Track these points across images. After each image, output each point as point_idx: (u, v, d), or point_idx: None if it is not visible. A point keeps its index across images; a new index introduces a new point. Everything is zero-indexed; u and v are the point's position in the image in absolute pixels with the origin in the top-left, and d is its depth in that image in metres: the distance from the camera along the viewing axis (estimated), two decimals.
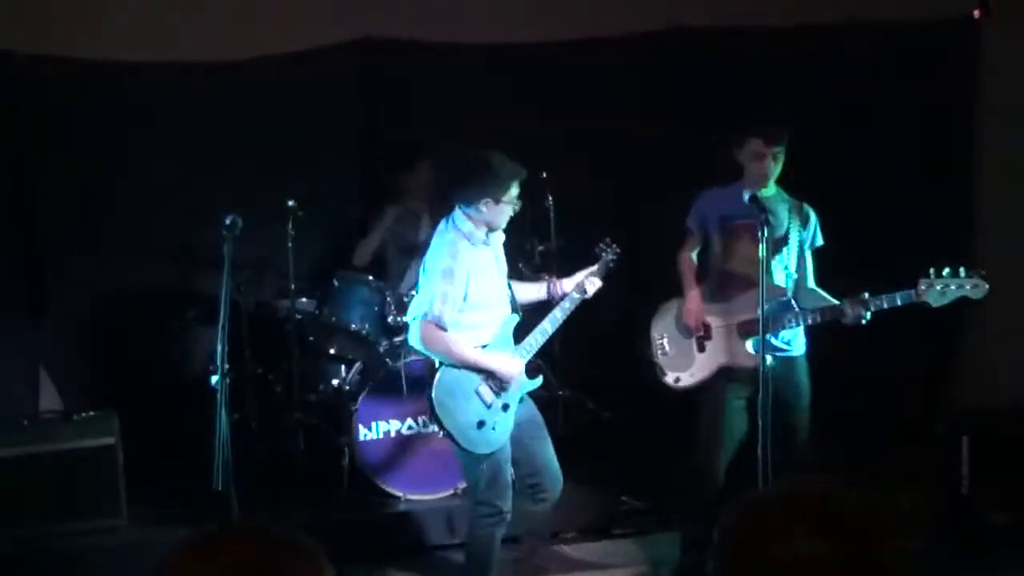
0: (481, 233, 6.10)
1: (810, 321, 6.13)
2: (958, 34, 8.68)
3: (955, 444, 7.15)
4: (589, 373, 8.46)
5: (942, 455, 7.21)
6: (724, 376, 6.34)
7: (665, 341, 6.60)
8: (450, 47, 8.46)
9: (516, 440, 6.25)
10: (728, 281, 6.35)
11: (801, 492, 2.22)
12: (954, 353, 8.81)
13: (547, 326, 6.32)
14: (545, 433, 6.38)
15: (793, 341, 6.23)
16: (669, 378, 6.57)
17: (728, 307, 6.34)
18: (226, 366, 5.59)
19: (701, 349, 6.43)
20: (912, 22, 8.49)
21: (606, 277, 6.45)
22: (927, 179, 8.77)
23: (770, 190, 6.28)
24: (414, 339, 6.11)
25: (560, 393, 8.48)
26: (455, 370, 6.09)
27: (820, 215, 6.50)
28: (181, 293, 8.10)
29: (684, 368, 6.51)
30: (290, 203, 7.59)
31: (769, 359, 6.07)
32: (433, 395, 6.11)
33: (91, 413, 7.25)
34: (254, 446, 8.03)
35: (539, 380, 6.38)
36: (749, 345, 6.23)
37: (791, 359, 6.20)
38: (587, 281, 6.36)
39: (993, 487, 7.08)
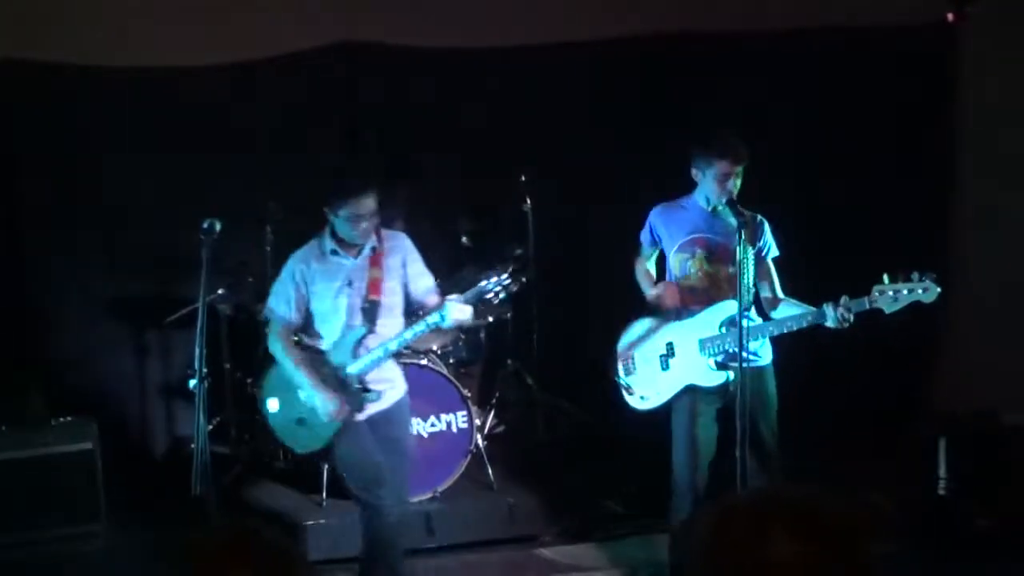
0: (332, 243, 6.15)
1: (771, 332, 6.14)
2: (932, 38, 8.72)
3: (932, 446, 7.19)
4: (567, 377, 8.48)
5: (919, 457, 7.24)
6: (690, 393, 6.36)
7: (631, 361, 6.62)
8: (430, 51, 8.46)
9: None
10: (687, 297, 6.36)
11: (779, 495, 2.23)
12: (931, 355, 8.85)
13: (391, 345, 6.17)
14: (403, 455, 6.39)
15: (760, 351, 6.23)
16: (635, 398, 6.59)
17: (692, 323, 6.35)
18: (204, 370, 5.57)
19: (665, 368, 6.44)
20: (886, 26, 8.52)
21: (487, 305, 6.41)
22: (903, 182, 8.80)
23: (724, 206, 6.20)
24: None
25: (538, 397, 8.50)
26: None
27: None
28: (160, 297, 8.08)
29: (649, 387, 6.52)
30: (269, 205, 7.61)
31: (731, 375, 6.13)
32: (262, 384, 6.34)
33: (70, 418, 7.25)
34: (233, 450, 8.04)
35: (374, 396, 6.22)
36: (711, 363, 6.25)
37: (759, 369, 6.19)
38: (450, 306, 6.02)
39: (970, 489, 7.12)
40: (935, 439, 7.19)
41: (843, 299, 5.86)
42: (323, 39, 8.35)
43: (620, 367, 6.66)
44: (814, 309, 5.97)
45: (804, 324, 6.01)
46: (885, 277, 5.78)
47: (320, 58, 8.36)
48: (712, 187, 6.14)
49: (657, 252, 6.52)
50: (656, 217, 6.43)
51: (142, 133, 8.00)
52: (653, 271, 6.58)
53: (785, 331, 6.10)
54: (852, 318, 5.86)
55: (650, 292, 6.47)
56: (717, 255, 6.23)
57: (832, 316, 5.88)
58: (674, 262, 6.35)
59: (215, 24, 7.96)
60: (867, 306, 5.79)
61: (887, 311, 5.79)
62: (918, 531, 7.00)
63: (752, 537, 2.14)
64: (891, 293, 5.75)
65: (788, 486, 2.26)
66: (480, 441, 7.66)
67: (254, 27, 8.10)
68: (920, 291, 5.76)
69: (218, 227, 5.73)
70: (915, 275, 5.77)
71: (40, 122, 7.92)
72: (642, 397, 6.55)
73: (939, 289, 5.75)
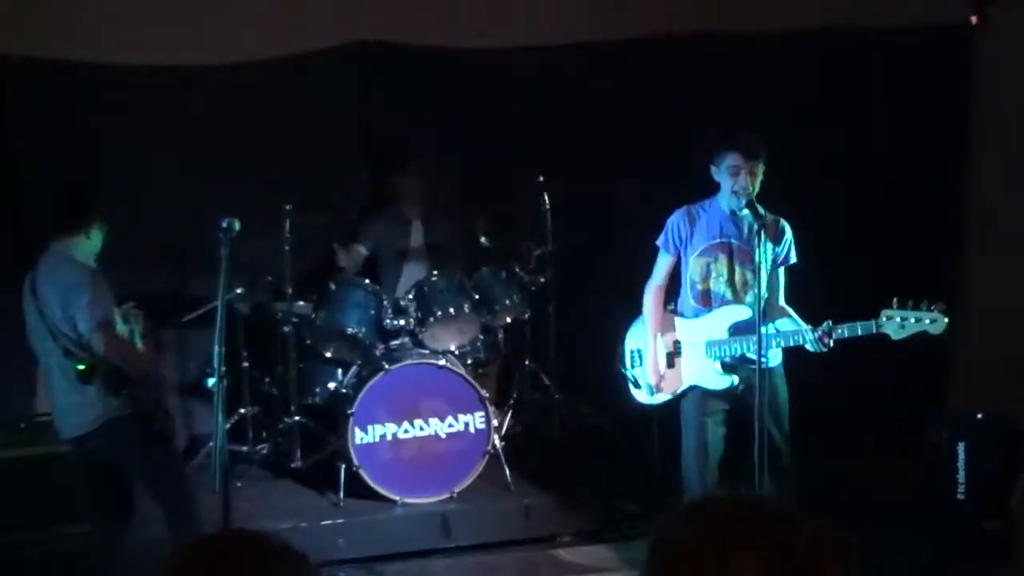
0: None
1: (774, 345, 6.13)
2: (954, 40, 8.68)
3: (951, 450, 7.15)
4: (585, 378, 8.46)
5: (938, 461, 7.21)
6: (695, 393, 6.34)
7: (638, 354, 6.63)
8: (446, 51, 8.46)
9: None
10: (702, 299, 6.35)
11: (748, 514, 2.18)
12: (950, 359, 8.80)
13: None
14: None
15: (768, 353, 6.22)
16: (640, 392, 6.63)
17: (700, 324, 6.35)
18: (223, 369, 5.57)
19: (671, 365, 6.43)
20: (908, 28, 8.48)
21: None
22: (920, 184, 8.76)
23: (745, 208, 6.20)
24: (103, 349, 5.90)
25: (556, 397, 8.50)
26: None
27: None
28: (177, 296, 8.08)
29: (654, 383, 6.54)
30: (287, 207, 7.61)
31: (737, 379, 6.14)
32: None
33: None
34: (250, 449, 8.05)
35: None
36: (718, 366, 6.25)
37: (768, 370, 6.16)
38: None
39: (989, 494, 7.08)
40: (954, 443, 7.16)
41: (825, 324, 5.85)
42: (339, 38, 8.35)
43: (627, 359, 6.68)
44: (804, 328, 5.97)
45: (791, 342, 6.03)
46: (895, 301, 5.75)
47: (336, 58, 8.36)
48: (727, 182, 6.13)
49: (672, 263, 6.50)
50: (679, 220, 6.41)
51: (159, 132, 7.99)
52: (661, 308, 6.56)
53: (777, 345, 6.09)
54: (831, 344, 5.86)
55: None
56: (738, 260, 6.22)
57: (811, 340, 5.89)
58: (694, 265, 6.33)
59: (230, 24, 7.96)
60: (873, 330, 5.78)
61: (894, 337, 5.78)
62: (937, 535, 6.97)
63: (717, 557, 2.10)
64: (898, 320, 5.74)
65: (759, 504, 2.22)
66: (497, 442, 7.66)
67: (270, 26, 8.10)
68: (928, 321, 5.74)
69: (236, 226, 5.72)
70: (924, 303, 5.74)
71: (56, 121, 7.91)
72: (649, 392, 6.56)
73: (947, 320, 5.73)
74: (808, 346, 5.97)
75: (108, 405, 5.97)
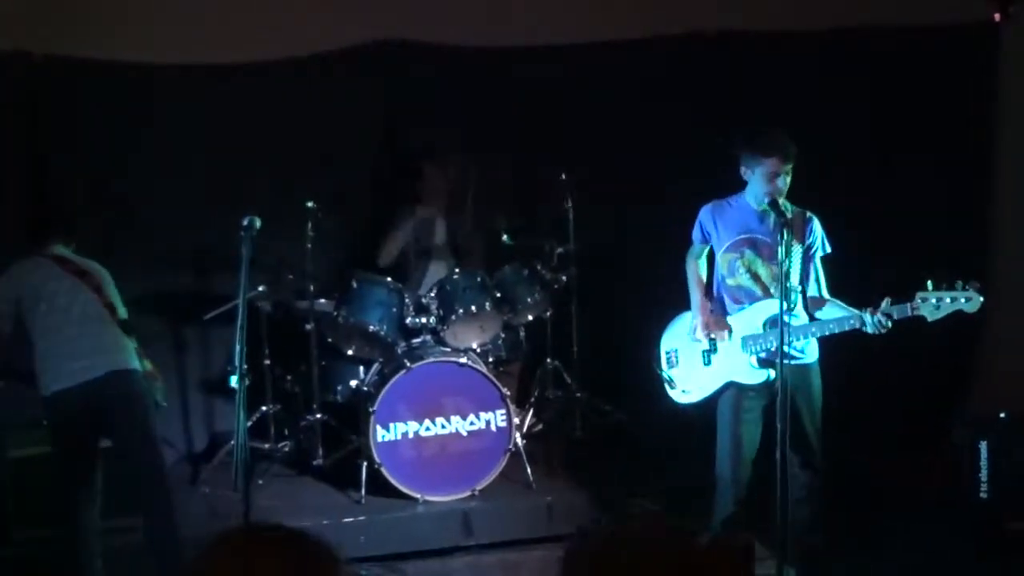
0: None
1: (810, 335, 6.12)
2: (978, 38, 8.65)
3: (974, 449, 7.12)
4: (606, 376, 8.46)
5: (961, 460, 7.17)
6: (732, 390, 6.33)
7: (674, 354, 6.63)
8: (469, 50, 8.45)
9: None
10: (733, 295, 6.34)
11: (649, 537, 2.19)
12: (974, 357, 8.77)
13: None
14: None
15: (806, 349, 6.20)
16: (677, 391, 6.60)
17: (735, 321, 6.33)
18: (244, 367, 5.58)
19: (707, 363, 6.42)
20: (932, 26, 8.45)
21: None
22: (946, 183, 8.73)
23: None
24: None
25: (577, 395, 8.49)
26: None
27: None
28: (199, 294, 8.11)
29: (691, 382, 6.54)
30: (310, 204, 7.61)
31: (773, 373, 6.09)
32: None
33: None
34: (272, 446, 8.06)
35: None
36: (754, 360, 6.23)
37: (804, 367, 6.17)
38: None
39: (1012, 493, 7.05)
40: (976, 442, 7.12)
41: (884, 304, 5.82)
42: (360, 37, 8.35)
43: (663, 360, 6.67)
44: (857, 313, 5.92)
45: (846, 327, 5.97)
46: (929, 283, 5.72)
47: (357, 56, 8.36)
48: (761, 185, 6.12)
49: (708, 249, 6.50)
50: (706, 215, 6.42)
51: (182, 130, 8.02)
52: (704, 273, 6.54)
53: (827, 333, 6.06)
54: (890, 324, 5.82)
55: (696, 312, 6.48)
56: (766, 255, 6.20)
57: (870, 323, 5.84)
58: (722, 261, 6.34)
59: (251, 23, 7.98)
60: (909, 312, 5.75)
61: (929, 319, 5.74)
62: (959, 535, 6.94)
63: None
64: (933, 301, 5.70)
65: (664, 527, 2.22)
66: (519, 440, 7.65)
67: (290, 26, 8.11)
68: (963, 300, 5.71)
69: (258, 224, 5.74)
70: (959, 283, 5.71)
71: (79, 120, 7.94)
72: (684, 391, 6.57)
73: (982, 299, 5.70)
74: (867, 328, 5.87)
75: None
